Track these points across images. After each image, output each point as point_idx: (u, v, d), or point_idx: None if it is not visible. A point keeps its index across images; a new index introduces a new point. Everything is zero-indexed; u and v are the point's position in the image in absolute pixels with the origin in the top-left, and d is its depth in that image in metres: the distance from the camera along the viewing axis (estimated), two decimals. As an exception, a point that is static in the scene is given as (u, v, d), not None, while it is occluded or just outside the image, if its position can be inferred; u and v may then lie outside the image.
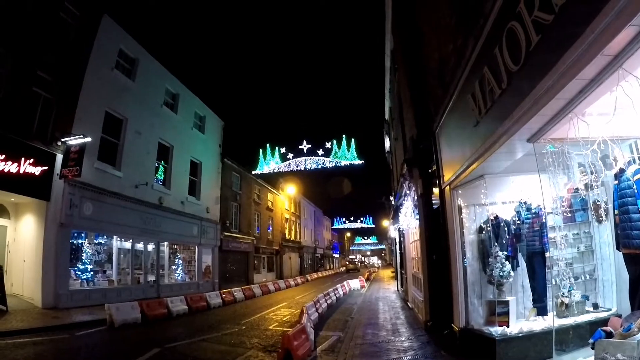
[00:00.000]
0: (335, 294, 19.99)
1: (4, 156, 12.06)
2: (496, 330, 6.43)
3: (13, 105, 12.57)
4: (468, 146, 6.37)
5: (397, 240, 22.38)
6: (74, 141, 13.79)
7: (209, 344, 9.85)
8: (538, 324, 6.47)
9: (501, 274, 6.70)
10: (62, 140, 13.88)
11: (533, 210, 6.89)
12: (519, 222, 7.05)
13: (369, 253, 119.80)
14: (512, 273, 6.87)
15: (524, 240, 7.06)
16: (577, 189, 6.07)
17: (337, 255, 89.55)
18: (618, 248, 5.01)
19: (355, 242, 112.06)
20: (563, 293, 6.33)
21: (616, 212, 4.77)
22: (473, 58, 5.58)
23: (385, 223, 35.27)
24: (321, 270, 62.80)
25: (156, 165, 20.49)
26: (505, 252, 6.93)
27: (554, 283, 6.39)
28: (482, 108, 5.40)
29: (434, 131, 8.75)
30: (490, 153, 5.45)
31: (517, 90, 4.30)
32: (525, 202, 7.02)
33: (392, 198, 23.06)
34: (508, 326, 6.57)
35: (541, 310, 6.81)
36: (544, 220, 6.44)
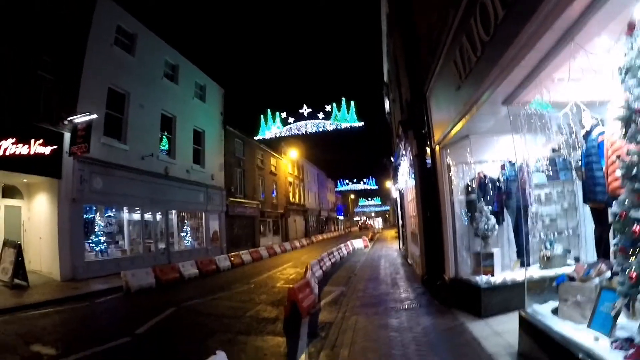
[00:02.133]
0: (339, 253, 20.80)
1: (15, 139, 12.41)
2: (481, 279, 7.03)
3: (19, 89, 12.86)
4: (453, 108, 6.78)
5: (398, 200, 22.99)
6: (80, 119, 14.13)
7: (220, 302, 10.62)
8: (521, 274, 7.04)
9: (486, 227, 7.25)
10: (69, 119, 14.20)
11: (516, 168, 7.33)
12: (503, 179, 7.51)
13: (373, 214, 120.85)
14: (496, 227, 7.41)
15: (513, 197, 7.52)
16: (559, 149, 6.46)
17: (341, 217, 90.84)
18: (585, 202, 5.48)
19: (360, 203, 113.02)
20: (545, 246, 6.86)
21: (583, 169, 5.21)
22: (454, 27, 5.92)
23: (388, 184, 35.83)
24: (326, 232, 63.99)
25: (160, 136, 20.87)
26: (490, 207, 7.45)
27: (537, 237, 6.89)
28: (463, 73, 5.80)
29: (425, 94, 9.12)
30: (471, 115, 5.88)
31: (489, 58, 4.69)
32: (509, 161, 7.44)
33: (392, 158, 23.50)
34: (493, 275, 7.17)
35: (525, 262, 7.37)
36: (525, 178, 6.87)
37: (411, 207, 14.31)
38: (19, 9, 12.86)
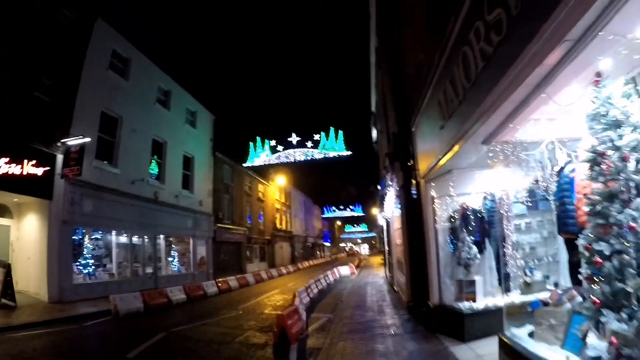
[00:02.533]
0: (325, 280, 20.94)
1: (8, 159, 12.65)
2: (464, 305, 7.38)
3: (15, 109, 13.15)
4: (437, 144, 7.25)
5: (385, 227, 23.35)
6: (73, 142, 14.41)
7: (209, 327, 10.74)
8: (501, 300, 7.40)
9: (468, 256, 7.64)
10: (62, 141, 14.47)
11: (496, 200, 7.78)
12: (484, 210, 7.94)
13: (359, 241, 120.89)
14: (478, 255, 7.79)
15: (494, 227, 7.94)
16: (537, 181, 6.94)
17: (328, 244, 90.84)
18: (559, 233, 5.92)
19: (346, 230, 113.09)
20: (525, 273, 7.24)
21: (556, 202, 5.66)
22: (439, 70, 6.44)
23: (375, 211, 36.28)
24: (312, 259, 63.86)
25: (150, 160, 21.12)
26: (472, 237, 7.86)
27: (517, 264, 7.28)
28: (446, 114, 6.28)
29: (411, 129, 9.62)
30: (453, 152, 6.35)
31: (470, 102, 5.16)
32: (490, 193, 7.90)
33: (379, 186, 23.97)
34: (475, 302, 7.52)
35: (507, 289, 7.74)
36: (504, 210, 7.30)
37: (397, 235, 14.66)
38: (18, 30, 13.22)
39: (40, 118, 14.17)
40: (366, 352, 7.23)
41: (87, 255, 16.39)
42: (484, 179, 7.76)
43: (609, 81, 3.60)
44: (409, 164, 10.29)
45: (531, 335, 4.96)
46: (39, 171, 13.68)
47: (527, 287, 7.08)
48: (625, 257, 3.30)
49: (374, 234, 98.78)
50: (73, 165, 14.29)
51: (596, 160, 3.63)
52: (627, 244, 3.28)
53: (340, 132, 34.64)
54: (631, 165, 3.39)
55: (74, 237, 15.78)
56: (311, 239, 70.39)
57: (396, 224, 14.83)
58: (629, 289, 3.26)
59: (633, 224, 3.22)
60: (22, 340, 8.86)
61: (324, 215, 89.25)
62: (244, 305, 14.98)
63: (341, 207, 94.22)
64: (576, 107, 3.98)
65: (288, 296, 15.89)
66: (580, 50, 3.17)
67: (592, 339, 3.99)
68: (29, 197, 14.14)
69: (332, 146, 34.51)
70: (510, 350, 4.93)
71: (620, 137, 3.47)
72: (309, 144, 34.91)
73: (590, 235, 3.67)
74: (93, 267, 16.65)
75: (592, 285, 3.63)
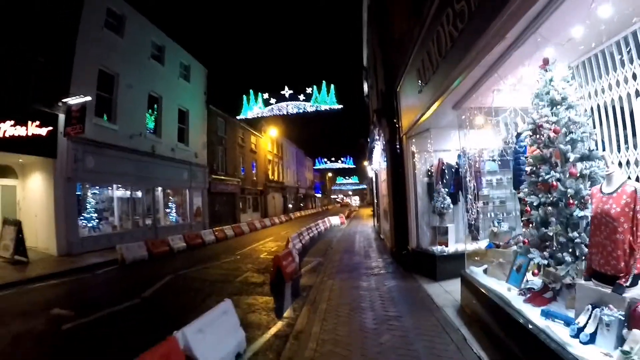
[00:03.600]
0: (317, 229, 22.17)
1: (13, 121, 13.07)
2: (437, 249, 8.46)
3: (16, 73, 13.48)
4: (417, 105, 8.06)
5: (374, 179, 24.38)
6: (74, 101, 14.76)
7: (211, 270, 11.86)
8: (469, 246, 8.45)
9: (442, 206, 8.65)
10: (63, 100, 14.80)
11: (469, 157, 8.67)
12: (459, 166, 8.86)
13: (350, 193, 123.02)
14: (451, 206, 8.80)
15: (467, 181, 8.86)
16: (508, 142, 7.79)
17: (319, 195, 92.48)
18: (514, 188, 6.85)
19: (337, 182, 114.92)
20: (494, 224, 8.25)
21: (512, 163, 6.56)
22: (418, 42, 7.16)
23: (365, 163, 37.29)
24: (304, 209, 65.41)
25: (147, 115, 21.60)
26: (447, 189, 8.82)
27: (488, 216, 8.29)
28: (423, 81, 7.08)
29: (396, 90, 10.36)
30: (430, 114, 7.19)
31: (442, 73, 5.94)
32: (464, 151, 8.76)
33: (368, 140, 24.74)
34: (447, 246, 8.60)
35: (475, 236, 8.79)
36: (475, 167, 8.20)
37: (384, 187, 15.66)
38: None
39: (40, 80, 14.46)
40: (351, 287, 8.35)
41: (90, 210, 17.20)
42: (458, 137, 8.65)
43: (552, 66, 4.37)
44: (394, 120, 11.11)
45: (485, 272, 6.00)
46: (43, 131, 14.13)
47: (494, 236, 8.13)
48: (549, 208, 4.23)
49: (364, 186, 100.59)
50: (75, 123, 14.71)
51: (535, 130, 4.47)
52: (551, 198, 4.19)
53: (332, 86, 35.17)
54: (560, 137, 4.23)
55: (77, 193, 16.50)
56: (303, 190, 71.63)
57: (383, 177, 15.80)
58: (550, 233, 4.21)
59: (555, 183, 4.11)
60: (42, 290, 9.67)
61: (315, 167, 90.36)
62: (241, 251, 16.13)
63: (332, 159, 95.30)
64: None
65: (282, 243, 17.02)
66: (520, 45, 3.96)
67: (530, 275, 5.04)
68: (34, 157, 14.61)
69: (324, 100, 35.06)
70: (468, 284, 5.98)
71: (555, 114, 4.28)
72: (302, 97, 35.49)
73: (526, 190, 4.60)
74: (97, 220, 17.51)
75: (524, 229, 4.60)
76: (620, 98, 3.98)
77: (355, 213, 51.04)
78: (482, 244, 7.78)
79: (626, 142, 3.99)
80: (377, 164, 17.30)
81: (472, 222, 8.06)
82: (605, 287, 3.44)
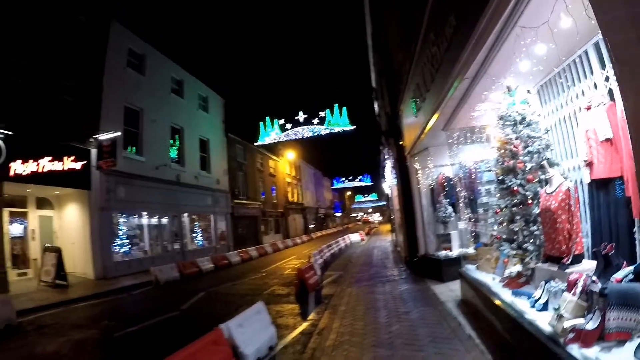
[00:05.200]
0: (337, 246, 23.10)
1: (50, 157, 14.39)
2: (442, 254, 9.41)
3: (50, 113, 14.81)
4: (415, 127, 9.13)
5: (389, 196, 25.35)
6: (105, 136, 16.24)
7: (240, 286, 12.95)
8: (470, 250, 9.36)
9: (444, 215, 9.61)
10: (94, 137, 16.29)
11: (466, 170, 9.66)
12: (457, 179, 9.84)
13: (370, 210, 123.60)
14: (453, 214, 9.75)
15: (472, 192, 9.82)
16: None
17: (339, 214, 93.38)
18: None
19: (356, 199, 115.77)
20: (493, 228, 9.16)
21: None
22: (410, 73, 8.28)
23: (381, 180, 38.30)
24: (324, 229, 66.30)
25: (170, 146, 23.09)
26: (449, 200, 9.80)
27: (484, 223, 9.20)
28: (417, 106, 8.13)
29: (399, 112, 11.47)
30: (425, 135, 8.23)
31: (429, 101, 7.02)
32: (462, 165, 9.75)
33: (381, 158, 25.76)
34: (451, 251, 9.55)
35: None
36: (472, 178, 9.16)
37: (396, 202, 16.65)
38: (40, 41, 14.64)
39: (73, 118, 15.78)
40: (368, 293, 9.33)
41: (122, 236, 18.52)
42: (455, 153, 9.66)
43: (515, 92, 5.39)
44: (400, 142, 12.18)
45: (478, 268, 6.94)
46: (78, 165, 15.48)
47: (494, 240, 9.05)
48: (514, 208, 5.22)
49: (384, 203, 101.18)
50: (107, 157, 16.12)
51: (499, 147, 5.49)
52: (515, 200, 5.18)
53: (344, 108, 36.47)
54: (521, 151, 5.21)
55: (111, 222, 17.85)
56: (322, 209, 72.65)
57: (395, 192, 16.82)
58: (516, 229, 5.19)
59: (516, 188, 5.11)
60: (86, 308, 10.78)
61: (333, 187, 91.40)
62: (266, 269, 17.21)
63: (350, 177, 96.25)
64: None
65: (304, 261, 17.88)
66: (478, 82, 5.03)
67: (512, 267, 5.97)
68: (70, 189, 15.95)
69: (337, 122, 36.30)
70: (465, 279, 6.92)
71: (516, 132, 5.28)
72: (315, 120, 36.77)
73: (497, 195, 5.60)
74: (129, 246, 18.86)
75: (496, 227, 5.60)
76: (569, 115, 4.99)
77: (375, 229, 51.77)
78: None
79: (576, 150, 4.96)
80: (389, 181, 18.33)
81: (471, 228, 8.98)
82: (554, 266, 4.40)
